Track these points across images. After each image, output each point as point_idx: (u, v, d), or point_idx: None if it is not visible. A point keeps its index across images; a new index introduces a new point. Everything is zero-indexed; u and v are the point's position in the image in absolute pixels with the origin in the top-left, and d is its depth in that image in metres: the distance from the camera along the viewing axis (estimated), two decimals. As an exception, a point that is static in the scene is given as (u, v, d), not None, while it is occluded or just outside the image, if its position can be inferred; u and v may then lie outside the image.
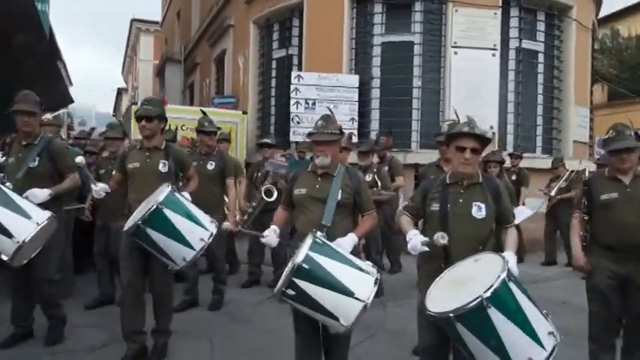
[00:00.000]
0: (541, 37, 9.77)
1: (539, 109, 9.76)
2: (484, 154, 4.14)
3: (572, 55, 9.83)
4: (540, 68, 9.76)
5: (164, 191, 3.35)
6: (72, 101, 14.02)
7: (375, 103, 9.21)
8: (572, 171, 7.71)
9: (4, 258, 3.36)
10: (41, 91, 5.26)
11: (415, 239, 2.74)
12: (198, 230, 3.37)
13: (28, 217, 3.41)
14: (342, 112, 8.79)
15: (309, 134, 3.21)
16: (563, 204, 7.35)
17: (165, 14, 23.97)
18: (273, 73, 10.57)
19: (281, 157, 7.33)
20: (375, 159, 6.48)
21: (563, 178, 7.65)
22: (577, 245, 3.39)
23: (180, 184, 3.95)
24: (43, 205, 3.60)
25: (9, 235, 3.30)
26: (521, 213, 4.46)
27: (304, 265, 2.59)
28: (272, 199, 5.37)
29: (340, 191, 3.06)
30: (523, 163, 8.33)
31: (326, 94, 8.89)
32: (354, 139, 8.23)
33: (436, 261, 2.80)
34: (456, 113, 3.54)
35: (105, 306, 4.98)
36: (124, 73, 40.92)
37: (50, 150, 3.88)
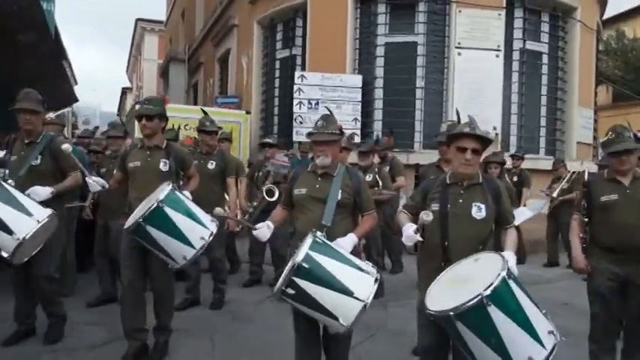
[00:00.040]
0: (545, 38, 9.74)
1: (543, 111, 9.74)
2: (485, 154, 4.15)
3: (577, 56, 9.80)
4: (544, 69, 9.74)
5: (165, 189, 3.36)
6: (77, 100, 14.06)
7: (379, 104, 9.21)
8: (573, 172, 7.70)
9: (5, 255, 3.36)
10: (46, 89, 5.29)
11: (408, 230, 2.76)
12: (198, 229, 3.38)
13: (29, 214, 3.41)
14: (345, 112, 8.80)
15: (309, 134, 3.21)
16: (565, 205, 7.34)
17: (169, 14, 24.06)
18: (277, 73, 10.58)
19: (284, 157, 7.35)
20: (376, 159, 6.49)
21: (565, 180, 7.63)
22: (577, 247, 3.39)
23: (181, 183, 3.95)
24: (45, 203, 3.61)
25: (9, 231, 3.31)
26: (522, 214, 4.46)
27: (304, 264, 2.60)
28: (273, 198, 5.38)
29: (340, 191, 3.06)
30: (526, 165, 8.31)
31: (329, 94, 8.90)
32: (357, 140, 8.25)
33: (436, 261, 2.81)
34: (457, 114, 3.53)
35: (106, 304, 4.99)
36: (129, 73, 41.03)
37: (52, 148, 3.89)
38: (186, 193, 3.65)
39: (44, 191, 3.67)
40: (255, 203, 5.51)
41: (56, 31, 8.53)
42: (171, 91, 17.53)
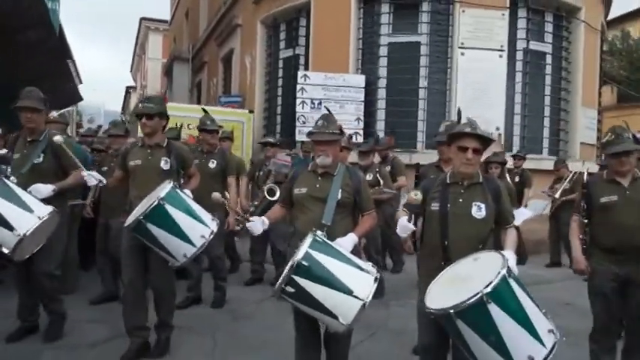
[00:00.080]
0: (549, 38, 9.73)
1: (547, 111, 9.71)
2: (487, 154, 4.14)
3: (581, 56, 9.78)
4: (548, 70, 9.72)
5: (166, 187, 3.37)
6: (81, 99, 14.10)
7: (381, 104, 9.21)
8: (575, 172, 7.68)
9: (5, 251, 3.37)
10: (51, 88, 5.31)
11: (402, 219, 2.79)
12: (198, 227, 3.39)
13: (30, 210, 3.42)
14: (348, 112, 8.82)
15: (310, 133, 3.22)
16: (566, 205, 7.32)
17: (173, 13, 24.11)
18: (280, 73, 10.60)
19: (286, 157, 7.35)
20: (377, 158, 6.48)
21: (567, 180, 7.62)
22: (577, 248, 3.40)
23: (182, 181, 3.96)
24: (47, 201, 3.62)
25: (10, 227, 3.32)
26: (522, 214, 4.44)
27: (304, 263, 2.61)
28: (275, 198, 5.39)
29: (340, 191, 3.07)
30: (529, 165, 8.30)
31: (332, 93, 8.90)
32: (360, 139, 8.25)
33: (436, 260, 2.82)
34: (458, 113, 3.55)
35: (108, 302, 5.01)
36: (133, 72, 41.13)
37: (54, 146, 3.88)
38: (187, 191, 3.66)
39: (46, 189, 3.68)
40: (256, 202, 5.53)
41: (61, 29, 8.59)
42: (175, 90, 17.57)
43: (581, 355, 3.45)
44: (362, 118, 8.90)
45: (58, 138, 3.87)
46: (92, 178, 3.78)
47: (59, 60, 9.02)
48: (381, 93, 9.22)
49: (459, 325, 2.31)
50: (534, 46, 9.52)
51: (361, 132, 8.72)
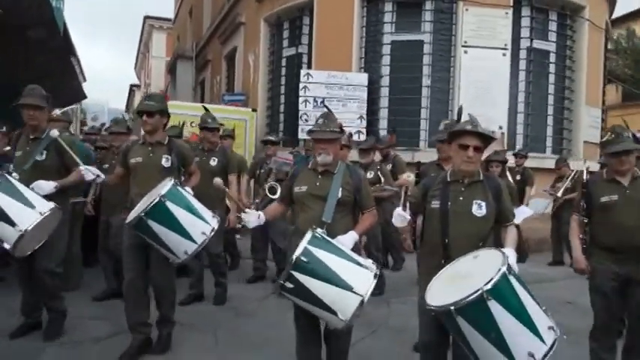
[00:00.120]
0: (553, 37, 9.70)
1: (550, 110, 9.70)
2: (487, 153, 4.14)
3: (585, 55, 9.75)
4: (552, 68, 9.70)
5: (167, 185, 3.38)
6: (85, 97, 14.13)
7: (384, 102, 9.22)
8: (576, 171, 7.66)
9: (6, 246, 3.38)
10: (55, 86, 5.33)
11: (398, 210, 2.84)
12: (199, 224, 3.40)
13: (31, 206, 3.43)
14: (350, 111, 8.83)
15: (310, 132, 3.22)
16: (568, 204, 7.31)
17: (177, 12, 24.16)
18: (283, 71, 10.61)
19: (288, 155, 7.36)
20: (378, 157, 6.48)
21: (569, 179, 7.60)
22: (577, 248, 3.40)
23: (182, 179, 3.96)
24: (49, 198, 3.62)
25: (12, 223, 3.33)
26: (522, 213, 4.46)
27: (303, 259, 2.62)
28: (276, 196, 5.41)
29: (341, 189, 3.07)
30: (532, 163, 8.28)
31: (335, 92, 8.91)
32: (363, 138, 8.25)
33: (436, 258, 2.82)
34: (459, 112, 3.54)
35: (112, 299, 5.02)
36: (137, 70, 41.21)
37: (57, 144, 3.89)
38: (188, 188, 3.67)
39: (48, 185, 3.68)
40: (257, 200, 5.54)
41: (65, 28, 8.59)
42: (179, 88, 17.60)
43: (582, 353, 3.45)
44: (365, 116, 8.91)
45: (54, 132, 3.89)
46: (89, 172, 3.78)
47: (63, 58, 9.05)
48: (384, 91, 9.22)
49: (460, 321, 2.31)
50: (538, 44, 9.51)
51: (364, 130, 8.73)
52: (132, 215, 3.42)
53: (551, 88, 9.68)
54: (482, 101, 8.66)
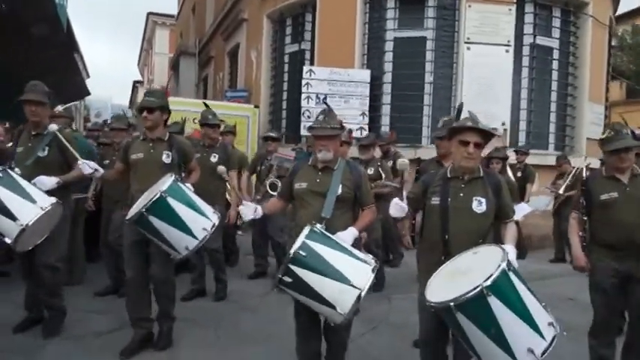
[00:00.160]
0: (556, 33, 9.65)
1: (553, 106, 9.67)
2: (487, 150, 4.13)
3: (588, 51, 9.71)
4: (555, 65, 9.66)
5: (167, 181, 3.39)
6: (88, 93, 14.16)
7: (387, 99, 9.20)
8: (577, 168, 7.65)
9: (8, 241, 3.39)
10: (58, 82, 5.33)
11: (396, 200, 2.86)
12: (200, 219, 3.41)
13: (33, 201, 3.44)
14: (353, 107, 8.83)
15: (310, 128, 3.22)
16: (569, 201, 7.29)
17: (180, 8, 24.15)
18: (286, 68, 10.60)
19: (291, 151, 7.37)
20: (378, 153, 6.48)
21: (570, 176, 7.58)
22: (577, 245, 3.41)
23: (182, 175, 3.92)
24: (50, 193, 3.62)
25: (13, 218, 3.34)
26: (522, 209, 4.45)
27: (301, 252, 2.63)
28: (277, 192, 5.41)
29: (341, 185, 3.07)
30: (535, 160, 8.26)
31: (337, 88, 8.91)
32: (365, 134, 8.25)
33: (436, 254, 2.82)
34: (458, 109, 3.54)
35: (114, 294, 5.07)
36: (140, 66, 41.26)
37: (58, 139, 3.89)
38: (188, 184, 3.67)
39: (50, 181, 3.69)
40: (258, 197, 5.55)
41: (68, 23, 8.64)
42: (182, 84, 17.62)
43: (582, 349, 3.46)
44: (367, 113, 8.90)
45: (52, 126, 3.90)
46: (87, 166, 3.78)
47: (67, 54, 9.07)
48: (387, 88, 9.21)
49: (459, 318, 2.32)
50: (541, 41, 9.47)
51: (366, 127, 8.72)
52: (133, 211, 3.43)
53: (554, 85, 9.65)
54: (485, 98, 8.64)
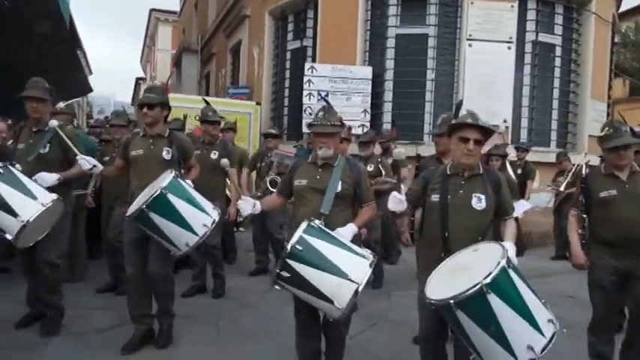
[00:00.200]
0: (559, 30, 9.62)
1: (555, 104, 9.65)
2: (487, 147, 4.13)
3: (591, 49, 9.67)
4: (557, 62, 9.63)
5: (167, 177, 3.39)
6: (91, 90, 14.18)
7: (388, 96, 9.20)
8: (577, 165, 7.64)
9: (9, 237, 3.39)
10: (61, 79, 5.34)
11: (395, 194, 2.86)
12: (201, 216, 3.41)
13: (34, 197, 3.44)
14: (354, 104, 8.84)
15: (310, 125, 3.22)
16: (570, 198, 7.27)
17: (183, 4, 24.14)
18: (288, 64, 10.60)
19: (292, 148, 7.37)
20: (378, 150, 6.47)
21: (570, 173, 7.57)
22: (576, 243, 3.41)
23: (182, 172, 3.92)
24: (51, 190, 3.62)
25: (14, 214, 3.34)
26: (521, 206, 4.47)
27: (298, 247, 2.64)
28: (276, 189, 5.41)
29: (340, 182, 3.07)
30: (536, 157, 8.25)
31: (339, 85, 8.92)
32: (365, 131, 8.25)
33: (436, 251, 2.82)
34: (457, 106, 3.54)
35: (115, 290, 5.08)
36: (143, 63, 41.24)
37: (58, 136, 3.89)
38: (188, 181, 3.67)
39: (51, 177, 3.69)
40: (259, 194, 5.55)
41: (71, 20, 8.62)
42: (184, 81, 17.62)
43: (581, 346, 3.48)
44: (369, 110, 8.91)
45: (52, 122, 3.90)
46: (86, 162, 3.79)
47: (69, 51, 9.10)
48: (388, 85, 9.21)
49: (459, 315, 2.32)
50: (543, 38, 9.44)
51: (368, 124, 8.73)
52: (133, 207, 3.42)
53: (556, 82, 9.62)
54: (487, 95, 8.63)
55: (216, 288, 5.17)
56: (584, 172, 3.48)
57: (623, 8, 12.98)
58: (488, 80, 8.74)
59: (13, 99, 4.09)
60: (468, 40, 8.85)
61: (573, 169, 7.56)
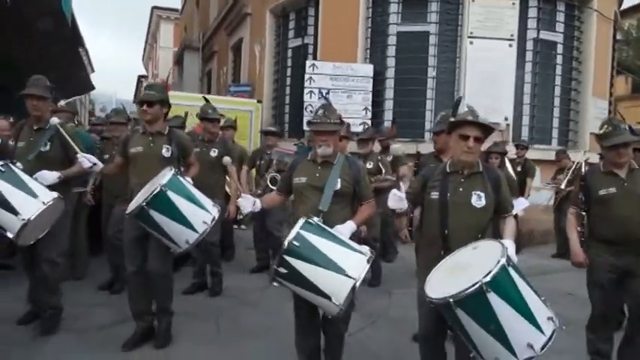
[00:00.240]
0: (560, 27, 9.63)
1: (556, 101, 9.66)
2: (486, 144, 4.13)
3: (592, 46, 9.68)
4: (559, 59, 9.64)
5: (167, 174, 3.38)
6: (93, 88, 14.17)
7: (389, 93, 9.21)
8: (577, 163, 7.62)
9: (10, 235, 3.39)
10: (63, 77, 5.34)
11: (396, 191, 2.85)
12: (200, 213, 3.41)
13: (34, 195, 3.44)
14: (355, 102, 8.84)
15: (310, 123, 3.22)
16: (570, 196, 7.26)
17: (184, 2, 24.14)
18: (289, 62, 10.62)
19: (294, 146, 7.37)
20: (378, 147, 6.49)
21: (571, 171, 7.56)
22: (575, 241, 3.42)
23: (181, 170, 3.91)
24: (51, 188, 3.62)
25: (15, 212, 3.34)
26: (520, 204, 4.46)
27: (295, 243, 2.64)
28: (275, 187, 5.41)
29: (340, 180, 3.08)
30: (537, 155, 8.25)
31: (340, 83, 8.92)
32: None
33: (435, 249, 2.82)
34: (456, 104, 3.53)
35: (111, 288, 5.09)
36: (145, 60, 41.25)
37: (59, 134, 3.89)
38: (188, 178, 3.67)
39: (51, 175, 3.69)
40: (259, 192, 5.55)
41: (73, 18, 8.62)
42: (186, 79, 17.65)
43: (581, 344, 3.48)
44: (370, 107, 8.91)
45: (54, 119, 3.90)
46: (86, 160, 3.79)
47: (71, 49, 9.09)
48: (389, 83, 9.21)
49: (459, 314, 2.32)
50: (545, 35, 9.44)
51: (369, 122, 8.73)
52: (133, 205, 3.41)
53: (557, 80, 9.63)
54: (488, 92, 8.63)
55: (214, 286, 5.15)
56: (583, 169, 3.46)
57: (625, 5, 12.95)
58: (489, 78, 8.74)
59: (14, 97, 4.08)
60: (469, 37, 8.85)
61: (573, 167, 7.55)
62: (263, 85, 10.90)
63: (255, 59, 11.37)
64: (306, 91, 9.04)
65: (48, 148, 3.88)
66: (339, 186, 3.07)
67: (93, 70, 21.39)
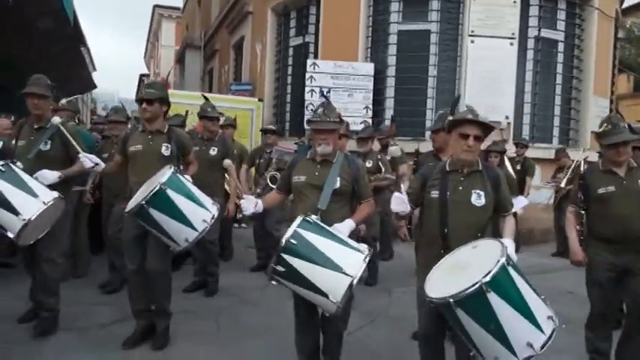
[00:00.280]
0: (561, 26, 9.61)
1: (557, 100, 9.64)
2: (486, 143, 4.12)
3: (593, 44, 9.66)
4: (560, 58, 9.62)
5: (167, 173, 3.38)
6: (95, 86, 14.16)
7: (390, 92, 9.20)
8: (576, 161, 7.61)
9: (10, 235, 3.38)
10: (65, 76, 5.35)
11: (398, 194, 2.86)
12: (200, 211, 3.41)
13: (35, 195, 3.43)
14: (356, 101, 8.84)
15: (310, 122, 3.22)
16: (569, 195, 7.24)
17: (186, 0, 24.13)
18: (290, 61, 10.61)
19: (294, 145, 7.37)
20: (377, 145, 6.49)
21: (570, 169, 7.55)
22: (574, 240, 3.42)
23: (180, 168, 3.89)
24: (52, 187, 3.60)
25: (15, 212, 3.33)
26: (519, 202, 4.46)
27: (292, 241, 2.64)
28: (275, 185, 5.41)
29: (339, 178, 3.08)
30: (538, 154, 8.24)
31: (341, 82, 8.92)
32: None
33: (435, 248, 2.82)
34: (454, 102, 3.53)
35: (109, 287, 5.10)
36: (146, 59, 41.25)
37: (60, 133, 3.88)
38: (187, 176, 3.65)
39: (52, 175, 3.68)
40: (259, 190, 5.56)
41: (75, 17, 8.62)
42: (187, 77, 17.65)
43: (581, 342, 3.48)
44: (371, 106, 8.91)
45: (55, 118, 3.90)
46: (88, 160, 3.78)
47: (73, 48, 9.10)
48: (390, 81, 9.21)
49: (459, 313, 2.32)
50: (546, 34, 9.42)
51: (370, 121, 8.72)
52: (132, 203, 3.41)
53: (559, 78, 9.61)
54: (489, 91, 8.62)
55: (210, 285, 5.13)
56: (582, 168, 3.45)
57: (627, 3, 12.92)
58: (490, 76, 8.73)
59: (15, 96, 4.09)
60: (470, 36, 8.83)
61: (573, 166, 7.54)
62: (264, 84, 10.90)
63: (257, 58, 11.38)
64: (307, 89, 9.04)
65: (48, 147, 3.87)
66: (338, 185, 3.07)
67: (95, 69, 21.43)
